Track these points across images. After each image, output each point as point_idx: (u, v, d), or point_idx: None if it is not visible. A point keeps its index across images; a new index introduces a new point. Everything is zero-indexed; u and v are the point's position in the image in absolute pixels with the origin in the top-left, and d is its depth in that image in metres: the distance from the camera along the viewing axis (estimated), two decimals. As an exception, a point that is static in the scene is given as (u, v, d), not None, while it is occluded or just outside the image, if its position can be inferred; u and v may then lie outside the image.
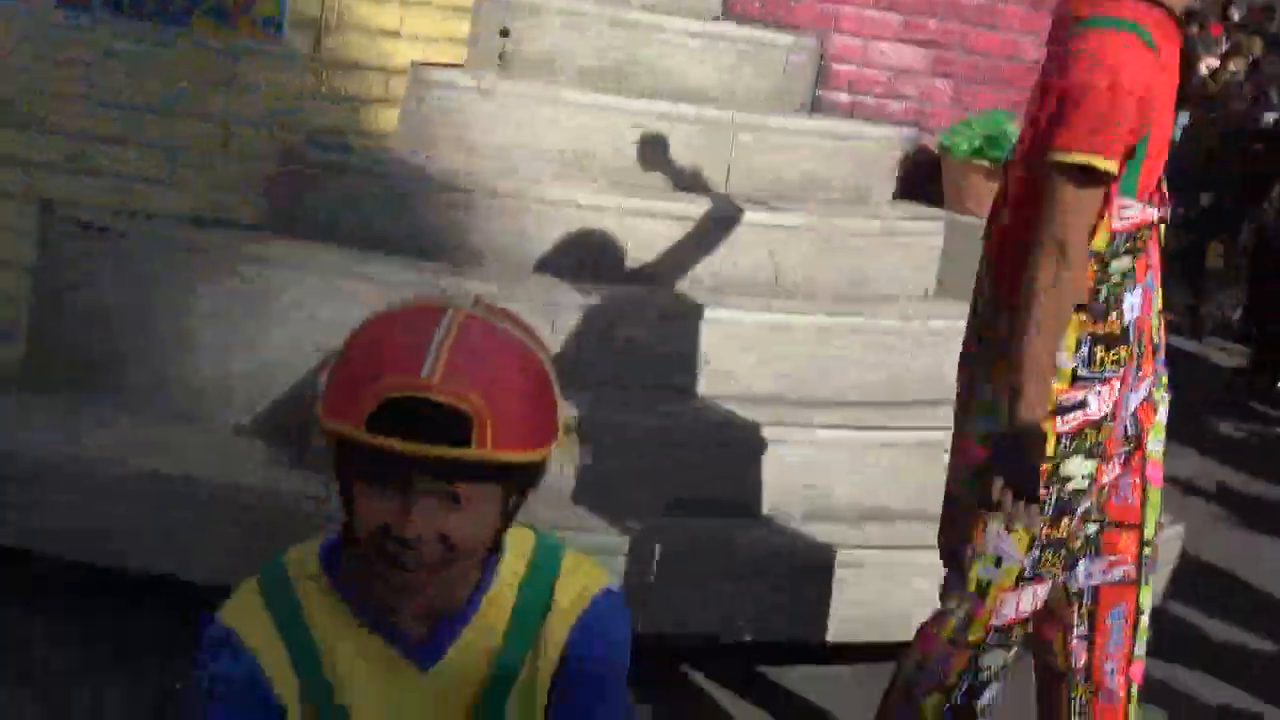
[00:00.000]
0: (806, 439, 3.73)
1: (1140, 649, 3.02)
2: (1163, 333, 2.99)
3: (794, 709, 3.46)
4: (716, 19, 4.69)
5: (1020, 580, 2.82)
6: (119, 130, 3.71)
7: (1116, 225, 2.67)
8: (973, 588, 2.84)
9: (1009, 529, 2.74)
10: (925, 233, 4.54)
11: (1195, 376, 7.54)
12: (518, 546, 1.72)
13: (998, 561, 2.83)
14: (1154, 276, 2.87)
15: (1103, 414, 2.77)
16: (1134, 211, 2.68)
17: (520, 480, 1.61)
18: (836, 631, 3.53)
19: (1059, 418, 2.73)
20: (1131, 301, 2.77)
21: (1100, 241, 2.66)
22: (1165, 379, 3.00)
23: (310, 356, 3.53)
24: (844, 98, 4.97)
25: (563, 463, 1.72)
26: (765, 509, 3.64)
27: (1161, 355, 2.99)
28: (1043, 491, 2.68)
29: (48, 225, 3.73)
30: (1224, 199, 8.72)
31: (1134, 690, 3.05)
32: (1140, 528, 2.94)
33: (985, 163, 4.70)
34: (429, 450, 1.51)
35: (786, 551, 3.54)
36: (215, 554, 3.16)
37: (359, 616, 1.66)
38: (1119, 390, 2.78)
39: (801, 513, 3.68)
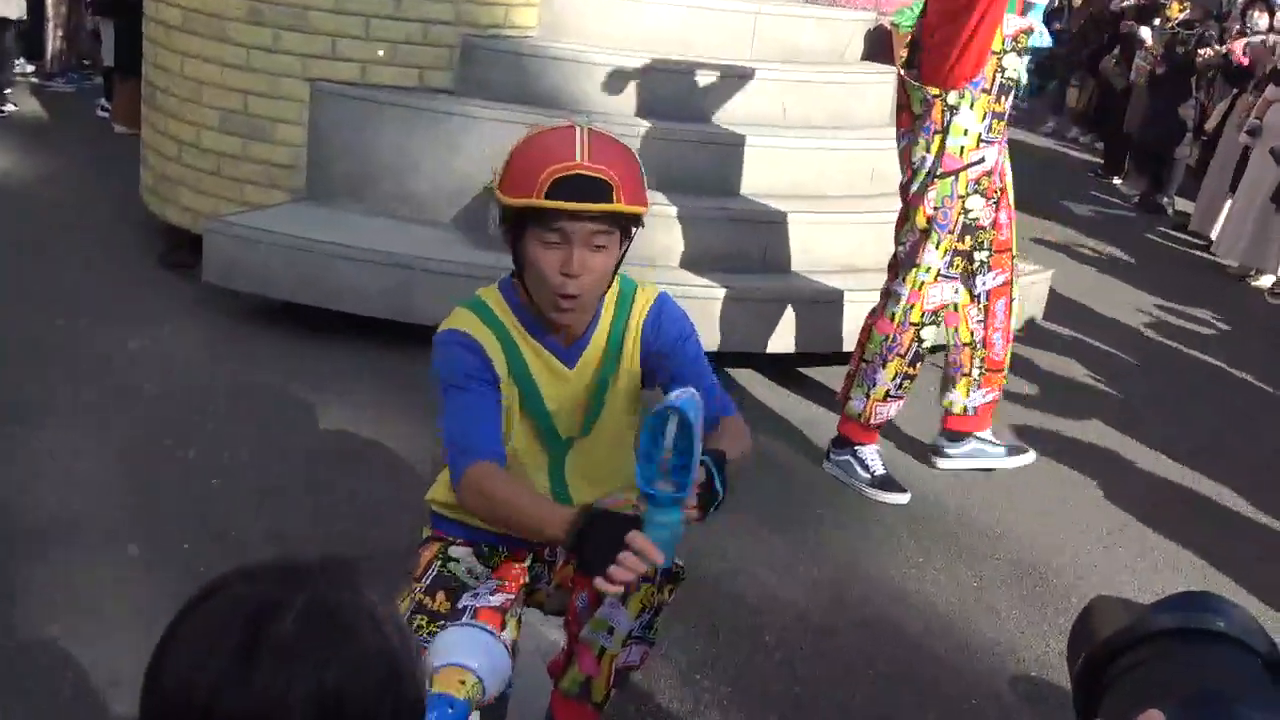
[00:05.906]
0: (806, 220, 5.00)
1: (1016, 324, 3.85)
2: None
3: (812, 386, 4.77)
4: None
5: (939, 276, 3.68)
6: (359, 31, 4.96)
7: (1005, 30, 3.39)
8: (912, 286, 3.71)
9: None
10: (881, 82, 5.63)
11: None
12: (610, 289, 2.17)
13: (927, 269, 3.70)
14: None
15: (990, 166, 3.57)
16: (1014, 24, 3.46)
17: (630, 228, 2.04)
18: (831, 344, 4.76)
19: (968, 168, 3.52)
20: (1011, 97, 3.61)
21: (995, 42, 3.41)
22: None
23: (485, 175, 4.43)
24: (829, -9, 6.00)
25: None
26: (781, 265, 4.95)
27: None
28: (955, 215, 3.56)
29: (316, 96, 5.01)
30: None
31: (1011, 351, 3.93)
32: (1010, 249, 3.86)
33: (921, 33, 5.45)
34: (588, 207, 1.92)
35: (796, 292, 4.84)
36: (433, 305, 4.09)
37: (530, 333, 2.09)
38: (998, 150, 3.59)
39: (804, 267, 4.96)
